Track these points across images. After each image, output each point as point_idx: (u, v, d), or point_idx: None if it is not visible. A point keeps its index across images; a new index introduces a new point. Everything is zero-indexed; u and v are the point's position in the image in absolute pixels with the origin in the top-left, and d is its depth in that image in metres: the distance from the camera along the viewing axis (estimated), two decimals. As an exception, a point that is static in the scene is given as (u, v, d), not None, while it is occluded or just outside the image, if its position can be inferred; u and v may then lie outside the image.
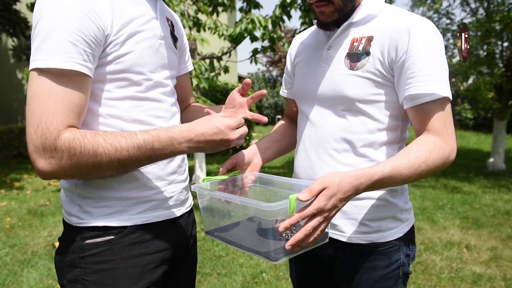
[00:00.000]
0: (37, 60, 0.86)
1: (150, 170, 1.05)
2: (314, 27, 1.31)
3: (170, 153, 0.94)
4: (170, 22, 1.19)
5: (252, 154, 1.29)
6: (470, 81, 8.38)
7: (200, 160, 5.99)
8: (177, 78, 1.26)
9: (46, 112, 0.85)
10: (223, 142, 0.97)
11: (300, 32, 5.44)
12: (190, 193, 1.23)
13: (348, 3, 1.11)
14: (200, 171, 5.99)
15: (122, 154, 0.89)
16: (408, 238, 1.20)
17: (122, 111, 1.00)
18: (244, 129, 1.02)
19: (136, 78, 1.00)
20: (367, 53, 1.10)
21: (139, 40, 0.99)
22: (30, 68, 0.87)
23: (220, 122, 0.96)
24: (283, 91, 1.45)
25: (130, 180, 1.02)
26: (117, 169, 0.92)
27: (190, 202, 1.23)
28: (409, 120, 1.16)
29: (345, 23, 1.14)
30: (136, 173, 1.03)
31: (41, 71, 0.85)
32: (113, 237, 1.00)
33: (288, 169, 7.89)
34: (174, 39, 1.19)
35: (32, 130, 0.85)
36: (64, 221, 1.07)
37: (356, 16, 1.14)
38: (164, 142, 0.92)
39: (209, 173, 7.20)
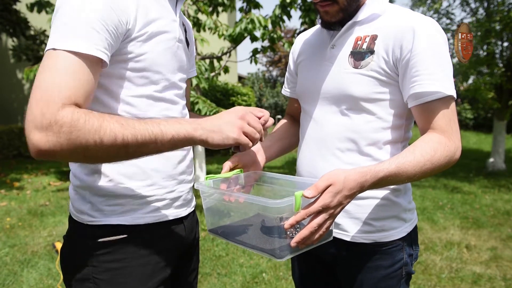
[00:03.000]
0: (55, 41, 0.83)
1: (162, 169, 1.06)
2: (317, 26, 1.31)
3: (177, 131, 0.89)
4: (184, 27, 1.20)
5: (255, 152, 1.29)
6: (470, 81, 8.39)
7: (200, 160, 5.99)
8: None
9: (54, 84, 0.80)
10: (233, 122, 0.94)
11: (300, 32, 5.46)
12: (193, 193, 1.24)
13: (352, 3, 1.11)
14: (200, 171, 5.99)
15: (127, 129, 0.83)
16: (411, 237, 1.20)
17: (138, 110, 1.01)
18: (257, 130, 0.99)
19: (154, 77, 1.01)
20: (371, 52, 1.10)
21: (160, 41, 1.00)
22: (47, 48, 0.84)
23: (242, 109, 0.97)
24: (285, 90, 1.45)
25: (143, 177, 1.02)
26: (118, 150, 0.84)
27: (194, 201, 1.23)
28: (413, 119, 1.16)
29: (349, 22, 1.14)
30: (149, 171, 1.03)
31: (58, 51, 0.83)
32: (125, 235, 1.01)
33: (288, 169, 7.89)
34: (187, 43, 1.20)
35: (34, 101, 0.79)
36: (71, 219, 1.06)
37: (360, 15, 1.14)
38: (170, 120, 0.90)
39: (209, 173, 7.20)
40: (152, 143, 0.86)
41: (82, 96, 0.83)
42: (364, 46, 1.12)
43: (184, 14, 5.29)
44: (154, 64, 0.99)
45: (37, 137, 0.77)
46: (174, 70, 1.07)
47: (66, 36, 0.83)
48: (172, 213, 1.09)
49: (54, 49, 0.83)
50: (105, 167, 1.01)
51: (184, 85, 1.15)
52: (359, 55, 1.12)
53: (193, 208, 1.21)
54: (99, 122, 0.81)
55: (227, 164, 1.21)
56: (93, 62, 0.86)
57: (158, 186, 1.05)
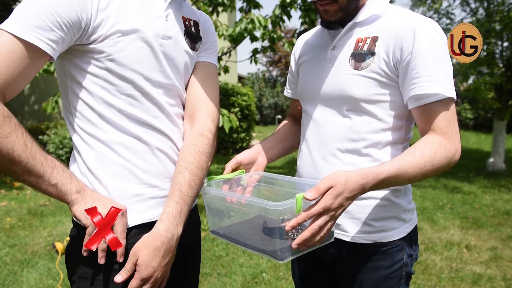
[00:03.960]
0: (5, 22, 0.87)
1: (149, 169, 1.05)
2: (318, 27, 1.31)
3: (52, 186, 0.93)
4: (191, 21, 1.17)
5: (257, 153, 1.29)
6: (470, 81, 8.40)
7: (200, 160, 5.98)
8: (191, 77, 1.20)
9: None
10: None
11: (300, 32, 5.45)
12: None
13: (352, 2, 1.11)
14: (200, 171, 5.97)
15: (25, 152, 0.87)
16: (411, 238, 1.21)
17: (118, 110, 1.01)
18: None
19: (131, 76, 1.00)
20: (372, 53, 1.10)
21: (135, 38, 0.99)
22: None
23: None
24: (287, 91, 1.46)
25: (129, 177, 1.03)
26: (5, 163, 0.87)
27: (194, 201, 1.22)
28: (413, 121, 1.16)
29: (350, 23, 1.15)
30: (136, 171, 1.03)
31: (4, 32, 0.87)
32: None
33: (288, 169, 7.89)
34: (193, 39, 1.17)
35: None
36: (73, 220, 1.06)
37: (361, 16, 1.14)
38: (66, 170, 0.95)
39: (208, 173, 7.19)
40: (38, 177, 0.90)
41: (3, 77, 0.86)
42: (365, 48, 1.12)
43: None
44: (130, 62, 0.99)
45: None
46: (156, 68, 1.05)
47: (15, 20, 0.87)
48: None
49: (1, 28, 0.87)
50: (95, 168, 1.01)
51: (175, 84, 1.11)
52: (359, 57, 1.12)
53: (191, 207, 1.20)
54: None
55: (229, 165, 1.21)
56: (33, 50, 0.88)
57: (147, 185, 1.05)
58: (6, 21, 0.88)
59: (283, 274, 3.18)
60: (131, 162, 1.03)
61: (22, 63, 0.87)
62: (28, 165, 0.87)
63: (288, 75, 1.44)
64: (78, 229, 1.04)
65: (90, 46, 0.96)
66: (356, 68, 1.12)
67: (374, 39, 1.11)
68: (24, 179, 0.90)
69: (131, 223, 1.02)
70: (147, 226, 1.04)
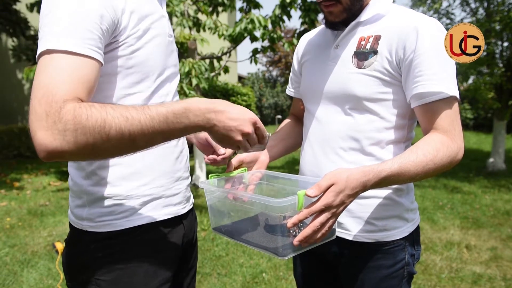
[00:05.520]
0: (49, 41, 0.81)
1: (158, 168, 1.06)
2: (322, 26, 1.31)
3: (184, 128, 0.84)
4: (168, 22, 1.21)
5: (259, 152, 1.29)
6: (470, 81, 8.40)
7: (200, 160, 6.00)
8: None
9: (53, 82, 0.77)
10: (234, 133, 0.88)
11: (300, 32, 5.46)
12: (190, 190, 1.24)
13: (356, 3, 1.12)
14: (200, 171, 6.00)
15: (133, 124, 0.79)
16: (413, 237, 1.21)
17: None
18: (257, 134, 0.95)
19: (148, 73, 1.01)
20: (374, 52, 1.10)
21: (152, 36, 1.00)
22: (41, 50, 0.81)
23: (246, 113, 0.89)
24: (289, 90, 1.46)
25: (138, 177, 1.02)
26: (127, 145, 0.81)
27: (192, 199, 1.23)
28: (416, 119, 1.17)
29: (353, 23, 1.15)
30: (144, 171, 1.03)
31: (52, 52, 0.80)
32: (126, 237, 1.00)
33: (288, 169, 7.88)
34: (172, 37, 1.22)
35: (36, 101, 0.76)
36: (71, 225, 1.06)
37: (364, 15, 1.14)
38: (178, 113, 0.83)
39: (209, 173, 7.20)
40: (161, 138, 0.84)
41: (84, 90, 0.81)
42: (368, 46, 1.12)
43: (183, 14, 5.31)
44: (148, 59, 0.99)
45: (43, 136, 0.74)
46: (167, 64, 1.07)
47: (61, 36, 0.81)
48: (171, 211, 1.09)
49: (49, 49, 0.80)
50: (101, 170, 1.00)
51: (176, 78, 1.15)
52: (362, 55, 1.12)
53: (191, 206, 1.21)
54: (102, 117, 0.77)
55: (231, 164, 1.21)
56: (89, 62, 0.84)
57: (154, 185, 1.05)
58: (51, 39, 0.81)
59: (283, 274, 3.18)
60: (141, 163, 1.03)
61: (86, 75, 0.83)
62: (146, 134, 0.81)
63: (291, 74, 1.44)
64: (75, 232, 1.03)
65: (113, 45, 0.94)
66: (359, 67, 1.12)
67: (377, 38, 1.11)
68: (153, 145, 0.85)
69: (138, 223, 1.02)
70: (154, 226, 1.04)
